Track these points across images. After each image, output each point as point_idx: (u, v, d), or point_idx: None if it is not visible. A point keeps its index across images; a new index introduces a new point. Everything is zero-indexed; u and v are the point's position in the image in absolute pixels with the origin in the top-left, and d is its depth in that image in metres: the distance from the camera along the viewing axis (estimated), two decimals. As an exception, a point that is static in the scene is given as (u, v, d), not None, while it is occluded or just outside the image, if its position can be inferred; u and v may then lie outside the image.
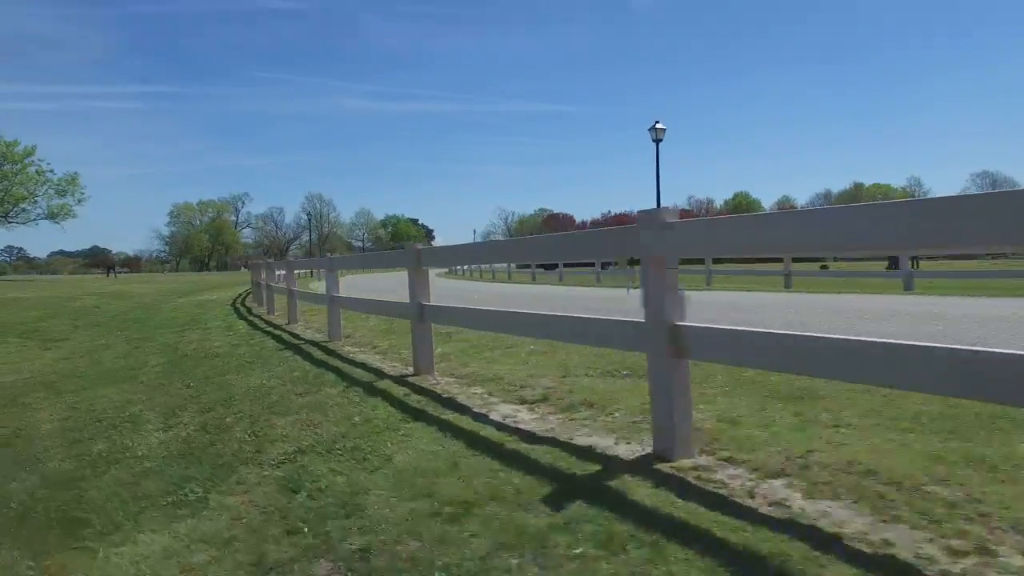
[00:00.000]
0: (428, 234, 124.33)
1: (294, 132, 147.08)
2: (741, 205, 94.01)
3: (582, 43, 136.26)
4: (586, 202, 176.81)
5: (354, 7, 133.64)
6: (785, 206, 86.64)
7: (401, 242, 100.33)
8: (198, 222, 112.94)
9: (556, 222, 79.77)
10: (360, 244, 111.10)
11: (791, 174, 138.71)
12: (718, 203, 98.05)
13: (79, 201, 45.69)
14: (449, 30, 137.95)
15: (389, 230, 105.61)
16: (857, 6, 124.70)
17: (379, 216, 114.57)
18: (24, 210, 45.01)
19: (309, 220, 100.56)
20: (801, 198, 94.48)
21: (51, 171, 44.51)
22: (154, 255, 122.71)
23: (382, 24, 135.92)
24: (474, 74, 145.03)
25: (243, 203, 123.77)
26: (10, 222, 45.44)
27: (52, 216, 45.27)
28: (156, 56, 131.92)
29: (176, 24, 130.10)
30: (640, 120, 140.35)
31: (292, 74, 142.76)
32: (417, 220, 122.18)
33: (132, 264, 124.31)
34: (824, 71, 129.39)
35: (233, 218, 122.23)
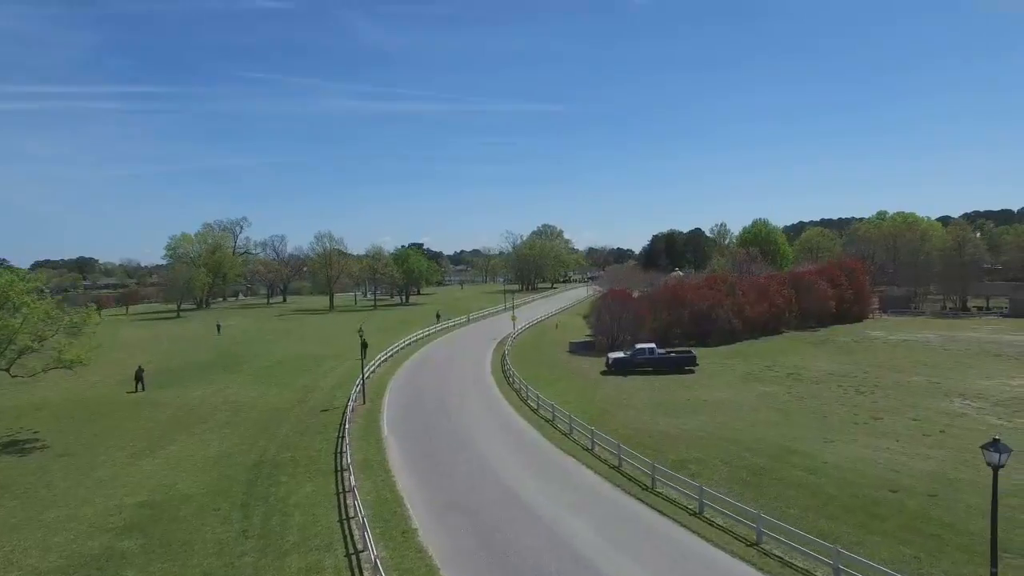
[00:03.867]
0: (435, 257, 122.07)
1: (281, 132, 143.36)
2: (760, 233, 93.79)
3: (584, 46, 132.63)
4: (579, 217, 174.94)
5: (340, 6, 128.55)
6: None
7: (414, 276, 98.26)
8: (196, 253, 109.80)
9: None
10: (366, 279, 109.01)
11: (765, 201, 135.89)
12: (735, 229, 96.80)
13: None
14: (440, 30, 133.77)
15: (402, 267, 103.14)
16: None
17: (389, 248, 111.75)
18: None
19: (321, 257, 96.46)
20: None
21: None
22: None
23: (369, 24, 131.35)
24: (464, 74, 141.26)
25: (241, 228, 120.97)
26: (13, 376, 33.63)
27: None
28: (139, 56, 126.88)
29: (160, 24, 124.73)
30: (643, 126, 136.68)
31: (278, 74, 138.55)
32: (422, 244, 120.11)
33: (131, 298, 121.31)
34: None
35: (231, 244, 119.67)
